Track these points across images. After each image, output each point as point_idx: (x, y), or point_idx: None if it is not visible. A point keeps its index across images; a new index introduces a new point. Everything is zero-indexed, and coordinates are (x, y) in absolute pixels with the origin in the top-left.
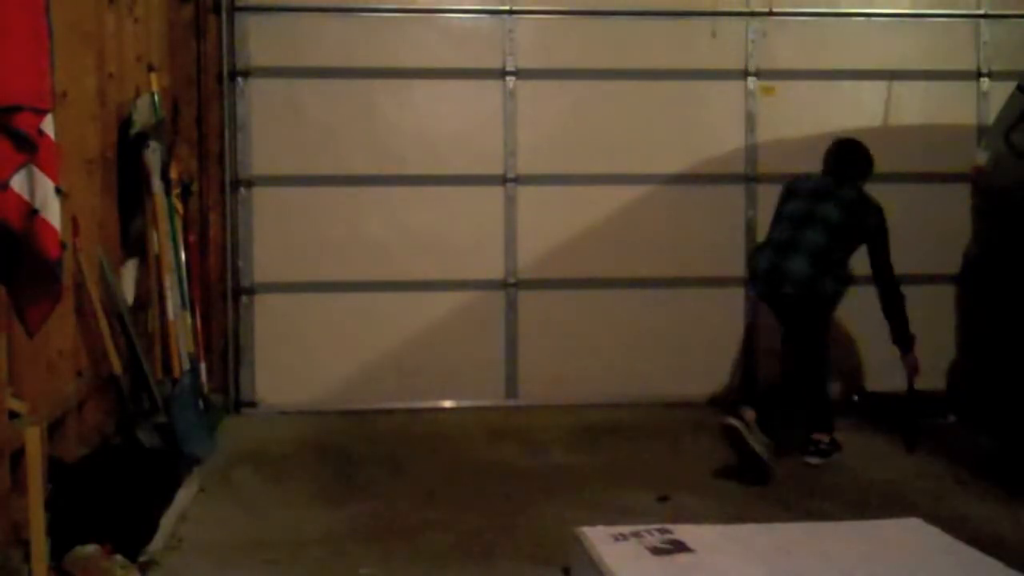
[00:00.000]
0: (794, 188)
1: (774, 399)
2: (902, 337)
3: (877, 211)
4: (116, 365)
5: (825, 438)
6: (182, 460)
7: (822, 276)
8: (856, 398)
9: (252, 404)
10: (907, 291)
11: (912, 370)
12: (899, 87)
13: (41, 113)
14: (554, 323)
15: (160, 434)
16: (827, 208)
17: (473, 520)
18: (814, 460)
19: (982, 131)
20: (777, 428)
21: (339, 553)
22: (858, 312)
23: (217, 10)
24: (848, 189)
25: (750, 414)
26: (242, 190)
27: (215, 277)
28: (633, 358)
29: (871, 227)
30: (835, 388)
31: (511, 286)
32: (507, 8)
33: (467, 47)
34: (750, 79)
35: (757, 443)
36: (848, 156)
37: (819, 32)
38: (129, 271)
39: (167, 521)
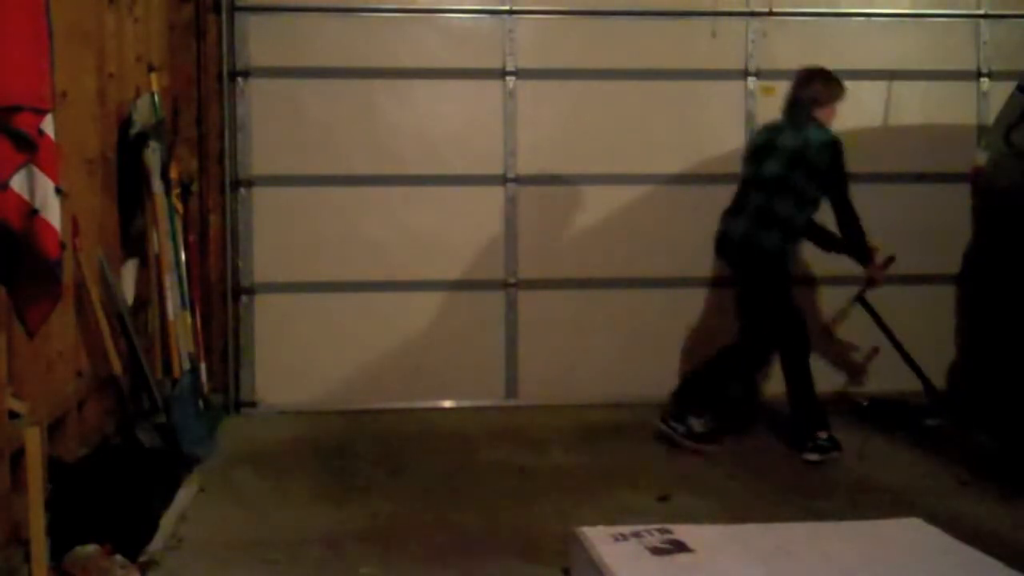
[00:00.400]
0: (748, 146)
1: (694, 376)
2: (861, 253)
3: (828, 147)
4: (116, 365)
5: (822, 434)
6: (182, 460)
7: (766, 230)
8: (866, 404)
9: (252, 404)
10: (907, 291)
11: (874, 280)
12: (899, 87)
13: (41, 113)
14: (554, 323)
15: (160, 434)
16: (767, 165)
17: (473, 520)
18: (812, 456)
19: (982, 131)
20: (702, 405)
21: (339, 553)
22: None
23: (217, 10)
24: (791, 135)
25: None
26: (242, 190)
27: (215, 277)
28: (633, 358)
29: (819, 167)
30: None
31: (511, 286)
32: (507, 8)
33: (467, 47)
34: (750, 79)
35: (677, 435)
36: (800, 83)
37: (819, 32)
38: (129, 271)
39: (167, 521)
